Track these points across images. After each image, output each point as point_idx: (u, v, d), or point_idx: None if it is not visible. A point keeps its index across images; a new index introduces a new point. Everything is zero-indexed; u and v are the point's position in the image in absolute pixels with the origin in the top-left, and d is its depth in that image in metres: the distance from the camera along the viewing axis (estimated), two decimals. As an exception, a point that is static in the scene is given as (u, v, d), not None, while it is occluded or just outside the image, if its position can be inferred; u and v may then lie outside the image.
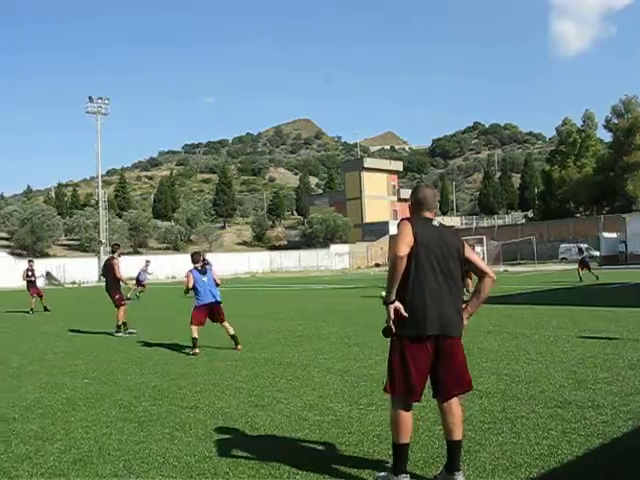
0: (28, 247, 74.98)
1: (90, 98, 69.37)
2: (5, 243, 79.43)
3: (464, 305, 4.61)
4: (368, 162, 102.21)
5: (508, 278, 33.79)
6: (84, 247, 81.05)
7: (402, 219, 4.43)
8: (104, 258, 66.40)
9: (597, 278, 28.93)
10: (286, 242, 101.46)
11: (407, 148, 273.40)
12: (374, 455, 5.01)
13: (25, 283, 24.35)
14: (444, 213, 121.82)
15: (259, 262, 78.20)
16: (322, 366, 9.12)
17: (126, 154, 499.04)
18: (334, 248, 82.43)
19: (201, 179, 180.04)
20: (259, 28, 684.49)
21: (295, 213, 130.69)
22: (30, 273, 24.55)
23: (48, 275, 61.07)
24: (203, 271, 11.55)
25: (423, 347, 4.31)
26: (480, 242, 58.50)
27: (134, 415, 6.63)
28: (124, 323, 14.76)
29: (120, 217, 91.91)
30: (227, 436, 5.71)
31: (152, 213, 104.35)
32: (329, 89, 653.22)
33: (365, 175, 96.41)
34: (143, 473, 4.80)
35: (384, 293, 4.37)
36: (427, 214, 4.59)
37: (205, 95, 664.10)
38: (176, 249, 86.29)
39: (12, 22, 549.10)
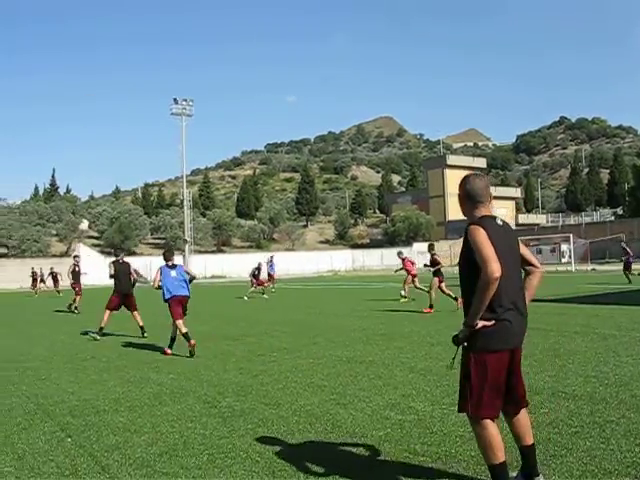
0: (116, 246, 77.22)
1: (175, 100, 70.99)
2: (95, 242, 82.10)
3: None
4: (451, 159, 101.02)
5: (596, 277, 32.83)
6: (169, 246, 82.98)
7: (471, 224, 4.05)
8: (189, 256, 68.21)
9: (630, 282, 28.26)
10: (368, 240, 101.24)
11: (490, 145, 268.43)
12: (456, 455, 4.94)
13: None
14: (529, 211, 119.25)
15: (341, 260, 78.40)
16: (404, 365, 9.07)
17: (210, 154, 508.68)
18: (417, 246, 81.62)
19: (283, 178, 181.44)
20: (342, 27, 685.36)
21: (377, 211, 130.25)
22: (77, 269, 25.10)
23: (136, 273, 62.92)
24: (172, 267, 11.97)
25: (503, 360, 4.03)
26: (567, 240, 57.08)
27: (218, 410, 6.74)
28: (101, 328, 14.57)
29: (204, 216, 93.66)
30: (309, 433, 5.73)
31: (235, 212, 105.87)
32: (411, 87, 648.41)
33: (448, 172, 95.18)
34: (226, 467, 4.87)
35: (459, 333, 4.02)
36: (483, 209, 4.21)
37: (287, 94, 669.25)
38: (259, 247, 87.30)
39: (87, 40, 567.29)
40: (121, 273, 15.23)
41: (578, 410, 6.12)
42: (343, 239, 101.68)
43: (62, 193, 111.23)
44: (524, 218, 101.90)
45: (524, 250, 4.34)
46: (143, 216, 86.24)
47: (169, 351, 11.37)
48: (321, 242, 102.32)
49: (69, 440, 5.87)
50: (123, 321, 18.65)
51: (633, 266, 30.84)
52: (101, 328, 14.44)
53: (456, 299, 17.08)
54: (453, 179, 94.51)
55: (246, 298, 27.77)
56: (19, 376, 9.52)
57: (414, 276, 22.96)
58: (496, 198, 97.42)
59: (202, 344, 12.44)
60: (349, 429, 5.81)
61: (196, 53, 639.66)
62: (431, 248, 19.36)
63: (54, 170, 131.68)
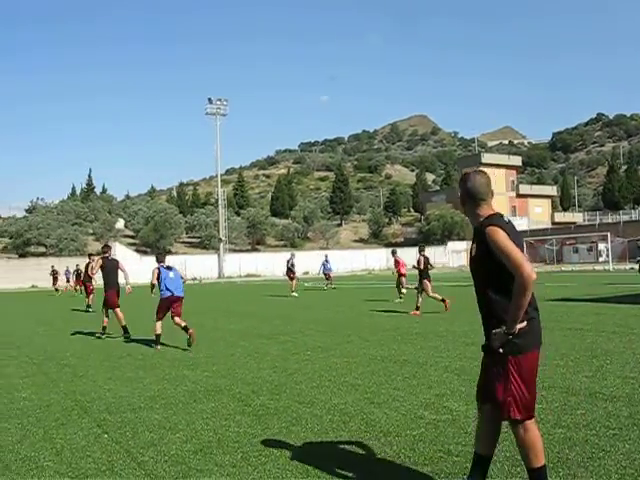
0: (152, 244, 78.04)
1: (209, 100, 71.53)
2: (131, 241, 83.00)
3: None
4: (486, 157, 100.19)
5: (634, 276, 32.30)
6: (204, 244, 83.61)
7: (490, 225, 3.88)
8: (224, 255, 68.62)
9: None
10: (402, 239, 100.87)
11: (526, 143, 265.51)
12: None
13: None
14: (565, 209, 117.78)
15: (376, 259, 78.35)
16: (439, 364, 9.02)
17: (244, 153, 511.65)
18: (451, 245, 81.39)
19: (318, 177, 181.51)
20: (375, 27, 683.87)
21: (412, 210, 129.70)
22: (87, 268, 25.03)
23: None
24: (169, 269, 12.40)
25: (536, 358, 4.01)
26: (604, 239, 56.28)
27: (252, 409, 6.77)
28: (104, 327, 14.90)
29: (239, 215, 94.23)
30: (342, 432, 5.73)
31: (270, 211, 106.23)
32: (446, 85, 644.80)
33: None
34: (260, 465, 4.89)
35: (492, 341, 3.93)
36: (488, 208, 4.06)
37: (320, 93, 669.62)
38: (293, 246, 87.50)
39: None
40: (110, 269, 15.41)
41: (616, 412, 6.03)
42: (377, 238, 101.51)
43: (98, 193, 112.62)
44: (560, 216, 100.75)
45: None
46: (178, 215, 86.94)
47: (159, 347, 12.12)
48: (355, 241, 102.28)
49: (106, 436, 5.95)
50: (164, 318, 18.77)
51: None
52: (125, 328, 14.53)
53: (443, 301, 17.64)
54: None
55: (295, 294, 28.13)
56: (57, 373, 9.67)
57: (402, 275, 24.21)
58: (532, 196, 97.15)
59: (236, 343, 12.52)
60: (383, 428, 5.79)
61: (231, 52, 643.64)
62: (421, 249, 19.24)
63: (90, 170, 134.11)
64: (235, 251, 77.98)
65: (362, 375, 8.43)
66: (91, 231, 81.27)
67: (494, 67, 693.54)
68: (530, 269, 3.68)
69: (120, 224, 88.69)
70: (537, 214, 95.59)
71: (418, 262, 18.60)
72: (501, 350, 3.87)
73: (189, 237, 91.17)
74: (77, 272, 40.66)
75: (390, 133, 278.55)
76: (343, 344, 11.40)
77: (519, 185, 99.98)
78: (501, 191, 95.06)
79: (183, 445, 5.53)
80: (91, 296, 24.41)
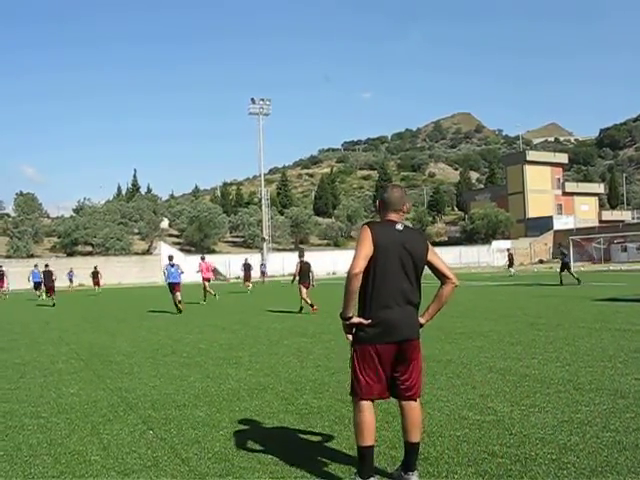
0: (196, 244, 78.79)
1: (252, 100, 71.89)
2: (175, 240, 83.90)
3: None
4: (531, 155, 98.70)
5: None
6: (248, 244, 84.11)
7: (363, 224, 4.50)
8: (267, 254, 68.93)
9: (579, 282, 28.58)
10: (446, 238, 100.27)
11: (572, 139, 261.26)
12: (536, 458, 4.80)
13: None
14: (613, 207, 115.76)
15: (419, 258, 77.75)
16: (483, 364, 8.94)
17: (287, 152, 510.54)
18: (496, 244, 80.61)
19: (361, 176, 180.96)
20: (417, 25, 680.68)
21: (455, 209, 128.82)
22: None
23: (215, 271, 64.00)
24: (172, 266, 22.33)
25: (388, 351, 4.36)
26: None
27: (295, 407, 6.79)
28: None
29: (282, 214, 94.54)
30: (386, 432, 5.71)
31: (313, 210, 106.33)
32: (489, 82, 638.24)
33: (528, 168, 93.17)
34: (303, 464, 4.90)
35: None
36: (392, 215, 4.59)
37: (362, 91, 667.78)
38: (337, 245, 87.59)
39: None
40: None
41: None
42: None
43: (143, 193, 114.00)
44: (608, 215, 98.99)
45: (435, 260, 4.62)
46: (222, 214, 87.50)
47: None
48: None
49: (151, 433, 6.03)
50: (206, 317, 19.03)
51: None
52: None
53: (312, 306, 19.09)
54: (533, 175, 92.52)
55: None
56: (103, 370, 9.83)
57: (205, 280, 28.23)
58: (578, 194, 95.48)
59: (280, 341, 12.57)
60: (426, 428, 5.75)
61: (274, 50, 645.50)
62: (300, 255, 20.34)
63: (135, 171, 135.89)
64: (278, 250, 78.30)
65: (405, 374, 8.38)
66: (136, 230, 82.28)
67: (538, 64, 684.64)
68: (358, 267, 4.22)
69: (165, 224, 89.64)
70: (584, 212, 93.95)
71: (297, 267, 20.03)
72: (350, 337, 4.48)
73: (233, 236, 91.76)
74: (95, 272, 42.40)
75: (433, 131, 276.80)
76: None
77: (565, 183, 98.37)
78: (546, 189, 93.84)
79: (227, 443, 5.57)
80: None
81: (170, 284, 21.89)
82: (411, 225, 4.76)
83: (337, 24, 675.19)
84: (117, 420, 6.55)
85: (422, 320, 4.60)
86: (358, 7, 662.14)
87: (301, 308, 19.55)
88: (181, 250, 71.87)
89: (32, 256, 68.44)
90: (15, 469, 5.11)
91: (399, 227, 4.50)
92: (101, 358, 11.13)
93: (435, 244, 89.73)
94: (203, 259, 28.40)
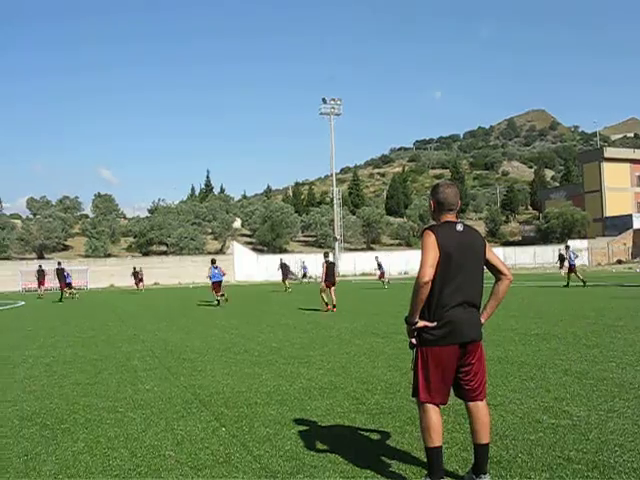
0: (268, 243, 79.54)
1: (324, 100, 72.19)
2: (248, 240, 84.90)
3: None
4: (609, 152, 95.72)
5: None
6: (319, 243, 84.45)
7: (425, 229, 4.43)
8: (339, 254, 69.07)
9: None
10: (520, 238, 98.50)
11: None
12: (615, 466, 4.64)
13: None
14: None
15: (492, 258, 76.67)
16: (558, 367, 8.74)
17: (359, 152, 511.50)
18: (572, 244, 78.56)
19: (433, 175, 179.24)
20: (488, 13, 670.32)
21: (530, 208, 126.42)
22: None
23: (288, 270, 64.51)
24: (216, 268, 26.32)
25: (443, 353, 4.36)
26: None
27: (366, 407, 6.77)
28: None
29: (354, 214, 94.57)
30: (457, 433, 5.65)
31: (385, 209, 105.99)
32: (565, 77, 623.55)
33: (605, 166, 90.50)
34: (374, 464, 4.89)
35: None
36: (449, 216, 4.54)
37: (433, 89, 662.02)
38: (408, 245, 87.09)
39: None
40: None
41: None
42: (494, 236, 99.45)
43: (216, 193, 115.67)
44: (463, 222, 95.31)
45: (493, 257, 4.68)
46: (294, 214, 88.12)
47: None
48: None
49: (223, 430, 6.11)
50: (280, 316, 19.18)
51: None
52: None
53: (326, 304, 20.61)
54: (611, 172, 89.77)
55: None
56: (177, 367, 10.02)
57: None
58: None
59: (351, 341, 12.57)
60: (499, 431, 5.67)
61: (344, 50, 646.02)
62: (326, 255, 22.13)
63: (208, 171, 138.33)
64: (350, 250, 78.37)
65: (478, 376, 8.28)
66: (210, 230, 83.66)
67: (617, 56, 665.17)
68: (427, 275, 4.20)
69: (237, 223, 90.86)
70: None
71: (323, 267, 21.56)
72: (414, 341, 4.44)
73: (304, 236, 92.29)
74: (135, 273, 43.52)
75: (507, 129, 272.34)
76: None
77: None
78: (625, 186, 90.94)
79: (298, 441, 5.61)
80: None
81: (214, 282, 26.23)
82: (469, 224, 4.72)
83: (407, 25, 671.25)
84: (190, 416, 6.67)
85: (482, 319, 4.58)
86: (428, 7, 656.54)
87: (326, 304, 20.76)
88: (253, 250, 72.73)
89: (109, 256, 70.43)
90: (95, 461, 5.28)
91: (459, 228, 4.48)
92: (175, 355, 11.36)
93: (509, 244, 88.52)
94: (213, 263, 29.90)
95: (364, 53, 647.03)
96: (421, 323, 4.33)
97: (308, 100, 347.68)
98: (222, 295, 25.71)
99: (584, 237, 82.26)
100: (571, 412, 6.22)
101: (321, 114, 72.79)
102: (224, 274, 27.09)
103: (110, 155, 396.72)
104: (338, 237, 72.00)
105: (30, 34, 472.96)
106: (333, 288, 21.19)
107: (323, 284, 21.26)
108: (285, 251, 77.29)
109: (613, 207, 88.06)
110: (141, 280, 45.28)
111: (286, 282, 39.00)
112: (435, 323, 4.30)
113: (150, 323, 18.42)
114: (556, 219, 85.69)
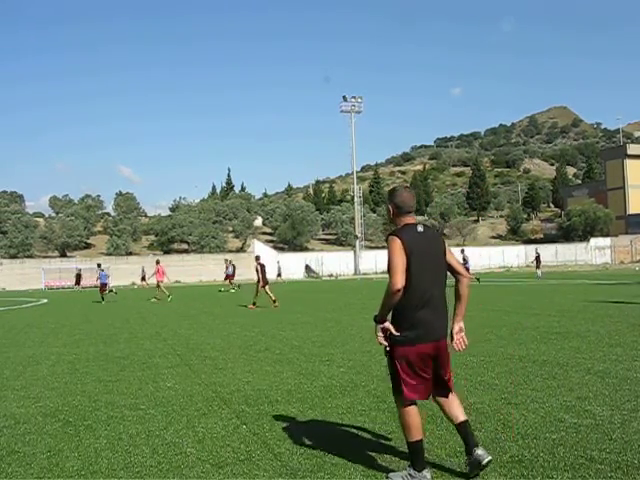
0: (289, 241, 79.64)
1: (344, 97, 72.14)
2: (269, 238, 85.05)
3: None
4: (632, 149, 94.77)
5: None
6: (340, 241, 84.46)
7: (390, 234, 4.53)
8: (360, 252, 68.99)
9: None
10: (542, 235, 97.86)
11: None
12: (639, 467, 4.59)
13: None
14: None
15: (514, 256, 76.44)
16: (580, 366, 8.67)
17: (380, 150, 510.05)
18: (594, 241, 78.13)
19: (454, 173, 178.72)
20: (508, 10, 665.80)
21: (552, 205, 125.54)
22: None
23: (307, 268, 64.56)
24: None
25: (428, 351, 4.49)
26: None
27: (387, 405, 6.75)
28: None
29: (374, 212, 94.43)
30: (479, 432, 5.61)
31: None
32: (587, 73, 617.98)
33: (629, 163, 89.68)
34: (394, 463, 4.89)
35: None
36: (408, 218, 4.66)
37: (452, 86, 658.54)
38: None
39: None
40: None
41: None
42: (516, 234, 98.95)
43: (237, 191, 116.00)
44: (422, 223, 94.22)
45: (451, 259, 4.72)
46: (314, 212, 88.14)
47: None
48: (493, 237, 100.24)
49: (244, 427, 6.14)
50: (299, 314, 19.22)
51: None
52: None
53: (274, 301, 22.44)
54: (634, 170, 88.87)
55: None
56: (199, 365, 10.07)
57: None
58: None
59: (372, 339, 12.52)
60: (520, 430, 5.64)
61: (364, 49, 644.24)
62: (257, 259, 23.98)
63: (229, 170, 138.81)
64: (371, 248, 78.26)
65: (499, 375, 8.25)
66: (230, 229, 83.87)
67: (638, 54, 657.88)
68: (399, 283, 4.29)
69: (258, 222, 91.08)
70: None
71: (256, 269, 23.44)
72: (383, 341, 4.53)
73: (325, 234, 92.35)
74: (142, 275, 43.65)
75: (528, 126, 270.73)
76: (480, 342, 11.17)
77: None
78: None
79: (319, 439, 5.61)
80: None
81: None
82: (427, 224, 4.87)
83: (429, 23, 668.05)
84: (212, 414, 6.70)
85: (460, 324, 4.72)
86: (449, 5, 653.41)
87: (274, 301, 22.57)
88: (274, 248, 72.80)
89: (130, 254, 70.89)
90: (117, 457, 5.33)
91: (420, 229, 4.60)
92: (196, 353, 11.41)
93: (530, 241, 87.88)
94: (158, 263, 31.70)
95: (385, 51, 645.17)
96: (388, 325, 4.47)
97: (329, 99, 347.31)
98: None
99: (607, 235, 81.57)
100: (594, 411, 6.17)
101: (342, 112, 72.78)
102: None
103: (132, 154, 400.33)
104: (359, 235, 71.91)
105: (54, 38, 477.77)
106: (267, 287, 23.38)
107: (262, 284, 23.28)
108: (306, 249, 77.35)
109: (636, 204, 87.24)
110: (142, 279, 45.75)
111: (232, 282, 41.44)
112: (399, 333, 4.43)
113: (173, 321, 18.50)
114: (578, 217, 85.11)
